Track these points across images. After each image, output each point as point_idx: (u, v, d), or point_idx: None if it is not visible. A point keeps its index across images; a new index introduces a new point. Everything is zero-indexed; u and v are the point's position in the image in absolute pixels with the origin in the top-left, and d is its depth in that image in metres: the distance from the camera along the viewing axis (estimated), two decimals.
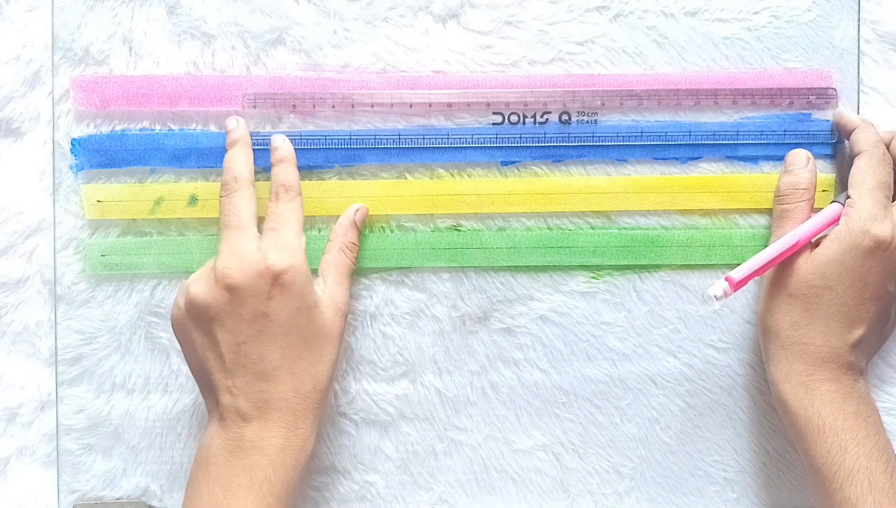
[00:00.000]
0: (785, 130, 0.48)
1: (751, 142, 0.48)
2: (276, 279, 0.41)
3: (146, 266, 0.48)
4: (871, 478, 0.41)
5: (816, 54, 0.48)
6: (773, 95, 0.48)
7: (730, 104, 0.48)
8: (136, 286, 0.48)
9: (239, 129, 0.46)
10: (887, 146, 0.47)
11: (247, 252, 0.42)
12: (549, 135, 0.48)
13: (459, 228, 0.49)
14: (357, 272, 0.48)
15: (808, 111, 0.49)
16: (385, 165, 0.48)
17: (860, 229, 0.43)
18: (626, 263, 0.49)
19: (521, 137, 0.48)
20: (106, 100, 0.47)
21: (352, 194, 0.48)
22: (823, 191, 0.49)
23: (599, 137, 0.48)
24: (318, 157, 0.48)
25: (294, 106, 0.47)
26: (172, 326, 0.43)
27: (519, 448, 0.49)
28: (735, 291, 0.43)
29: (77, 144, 0.47)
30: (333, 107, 0.48)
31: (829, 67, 0.48)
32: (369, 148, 0.48)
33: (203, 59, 0.47)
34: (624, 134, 0.48)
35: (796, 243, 0.44)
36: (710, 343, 0.49)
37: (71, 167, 0.47)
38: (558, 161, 0.48)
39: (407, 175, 0.48)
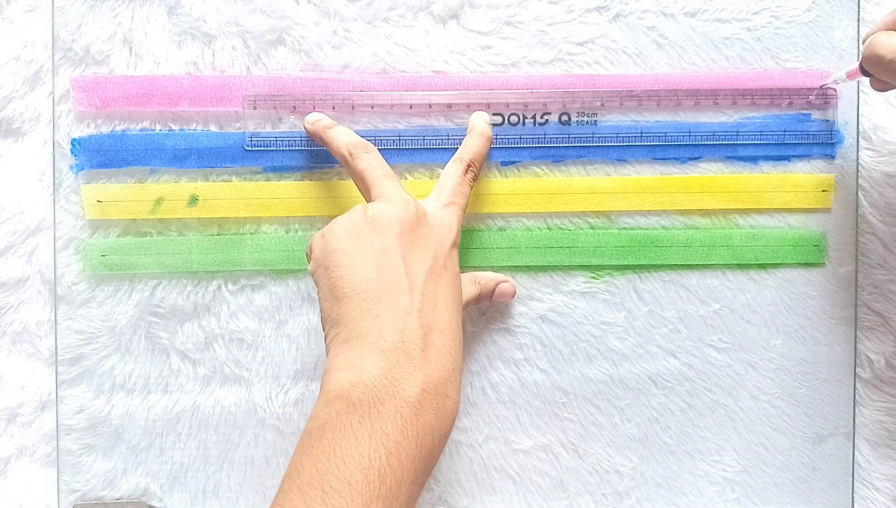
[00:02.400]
0: (785, 130, 0.48)
1: (751, 142, 0.48)
2: (454, 243, 0.41)
3: (146, 266, 0.48)
4: None
5: (816, 54, 0.49)
6: (772, 95, 0.48)
7: (730, 104, 0.48)
8: (136, 286, 0.48)
9: (326, 118, 0.46)
10: None
11: (429, 205, 0.42)
12: (548, 135, 0.48)
13: None
14: None
15: (807, 111, 0.49)
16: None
17: None
18: (626, 263, 0.49)
19: (520, 138, 0.48)
20: (106, 100, 0.47)
21: (352, 194, 0.48)
22: (823, 191, 0.49)
23: (599, 137, 0.48)
24: (317, 156, 0.48)
25: (294, 107, 0.48)
26: (336, 231, 0.39)
27: (519, 448, 0.49)
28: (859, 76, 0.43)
29: (77, 145, 0.47)
30: (334, 108, 0.48)
31: (829, 67, 0.48)
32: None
33: (203, 59, 0.48)
34: (624, 134, 0.48)
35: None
36: (710, 343, 0.49)
37: (71, 167, 0.47)
38: (558, 161, 0.48)
39: (407, 175, 0.48)
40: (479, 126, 0.47)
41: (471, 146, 0.46)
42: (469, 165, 0.45)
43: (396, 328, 0.36)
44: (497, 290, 0.47)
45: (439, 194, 0.43)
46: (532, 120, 0.48)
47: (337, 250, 0.39)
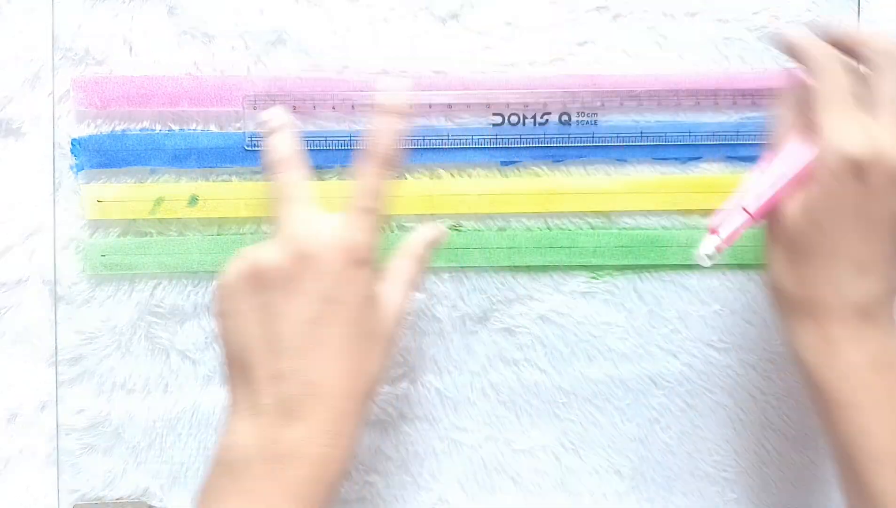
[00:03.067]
0: None
1: (751, 142, 0.48)
2: (356, 261, 0.37)
3: (146, 266, 0.48)
4: None
5: None
6: (772, 95, 0.48)
7: (730, 104, 0.48)
8: (136, 286, 0.48)
9: (281, 117, 0.40)
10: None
11: (325, 225, 0.37)
12: (549, 135, 0.48)
13: (459, 228, 0.49)
14: None
15: None
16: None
17: (831, 153, 0.36)
18: (626, 263, 0.49)
19: (521, 138, 0.48)
20: (106, 100, 0.47)
21: (352, 194, 0.48)
22: None
23: (599, 137, 0.48)
24: (318, 157, 0.48)
25: (294, 107, 0.47)
26: (217, 295, 0.37)
27: (519, 448, 0.49)
28: (728, 247, 0.39)
29: (77, 144, 0.47)
30: (334, 108, 0.48)
31: None
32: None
33: (203, 59, 0.47)
34: (624, 134, 0.48)
35: (780, 191, 0.39)
36: (710, 343, 0.49)
37: (71, 167, 0.47)
38: (558, 161, 0.48)
39: (407, 175, 0.48)
40: (389, 104, 0.39)
41: (382, 134, 0.39)
42: (383, 159, 0.39)
43: (269, 393, 0.35)
44: (427, 248, 0.42)
45: (350, 199, 0.38)
46: (532, 120, 0.48)
47: (217, 314, 0.37)
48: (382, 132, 0.39)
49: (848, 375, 0.37)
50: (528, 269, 0.49)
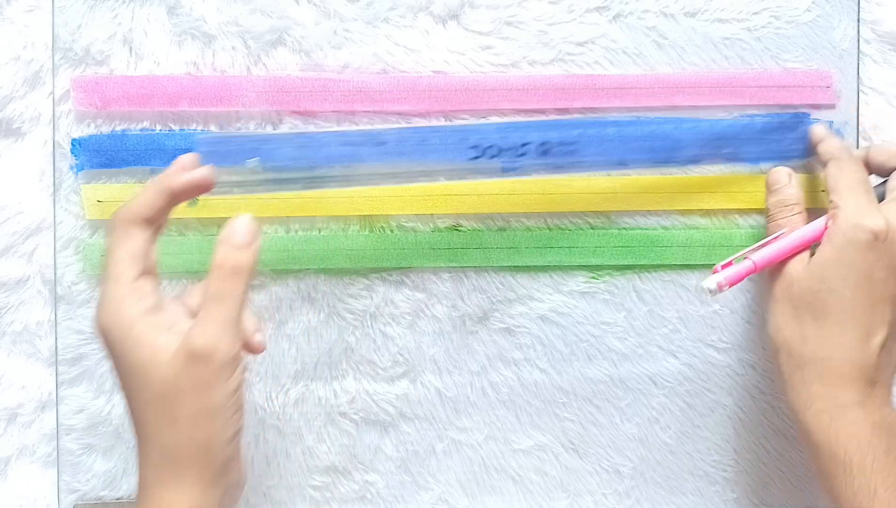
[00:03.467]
0: (785, 130, 0.48)
1: (751, 141, 0.48)
2: (104, 339, 0.37)
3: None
4: None
5: (816, 54, 0.49)
6: (772, 95, 0.48)
7: (730, 104, 0.48)
8: None
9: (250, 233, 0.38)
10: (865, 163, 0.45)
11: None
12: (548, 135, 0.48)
13: (459, 228, 0.49)
14: (357, 272, 0.48)
15: (807, 111, 0.49)
16: (385, 165, 0.48)
17: (851, 224, 0.40)
18: (626, 263, 0.49)
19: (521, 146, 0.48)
20: (106, 100, 0.47)
21: (352, 194, 0.48)
22: (823, 191, 0.49)
23: (599, 136, 0.48)
24: (318, 157, 0.48)
25: (297, 108, 0.47)
26: None
27: (519, 448, 0.49)
28: (730, 287, 0.42)
29: (77, 145, 0.47)
30: (335, 111, 0.48)
31: (829, 67, 0.49)
32: (369, 148, 0.48)
33: (203, 59, 0.47)
34: (624, 134, 0.48)
35: (788, 249, 0.43)
36: (710, 343, 0.49)
37: (71, 167, 0.47)
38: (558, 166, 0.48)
39: None
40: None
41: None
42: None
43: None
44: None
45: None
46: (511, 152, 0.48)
47: None
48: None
49: (853, 436, 0.39)
50: (528, 269, 0.49)
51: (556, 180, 0.48)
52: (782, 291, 0.42)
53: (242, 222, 0.38)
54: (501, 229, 0.49)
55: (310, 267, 0.48)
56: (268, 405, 0.49)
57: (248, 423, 0.49)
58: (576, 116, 0.48)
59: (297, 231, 0.48)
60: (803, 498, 0.50)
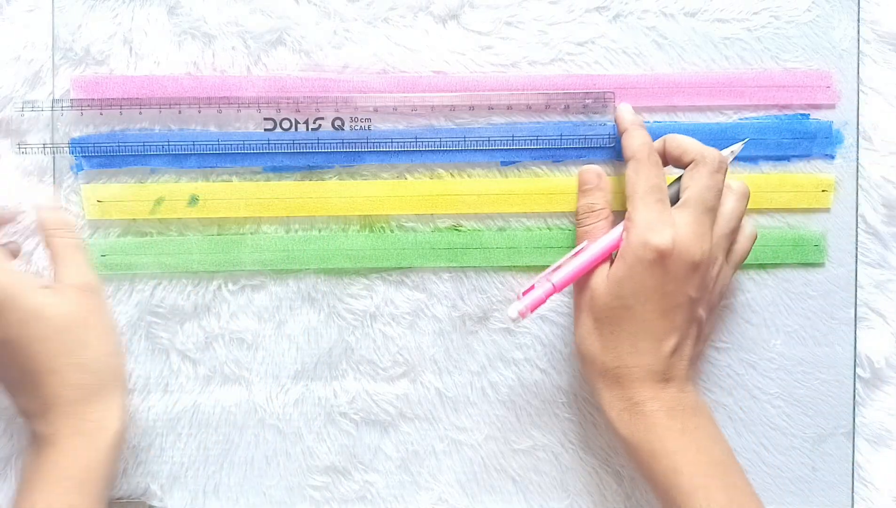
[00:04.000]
0: (784, 130, 0.48)
1: (750, 141, 0.48)
2: None
3: (146, 266, 0.48)
4: (708, 496, 0.40)
5: (816, 54, 0.49)
6: (772, 95, 0.48)
7: (729, 104, 0.48)
8: (136, 286, 0.48)
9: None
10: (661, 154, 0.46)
11: None
12: (547, 135, 0.48)
13: (459, 228, 0.49)
14: (357, 272, 0.48)
15: (807, 111, 0.49)
16: (385, 165, 0.48)
17: (639, 241, 0.42)
18: None
19: (519, 139, 0.48)
20: (106, 100, 0.47)
21: (352, 194, 0.48)
22: (823, 191, 0.49)
23: (599, 137, 0.48)
24: (318, 157, 0.48)
25: (298, 110, 0.47)
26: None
27: (519, 448, 0.49)
28: (532, 312, 0.44)
29: (77, 145, 0.47)
30: (337, 110, 0.48)
31: (829, 67, 0.49)
32: (369, 148, 0.48)
33: (203, 59, 0.47)
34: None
35: (586, 265, 0.44)
36: (710, 343, 0.49)
37: (71, 167, 0.47)
38: (558, 161, 0.48)
39: (407, 175, 0.48)
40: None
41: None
42: None
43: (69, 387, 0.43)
44: (43, 217, 0.47)
45: None
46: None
47: None
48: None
49: (651, 426, 0.42)
50: (528, 269, 0.49)
51: (555, 180, 0.48)
52: (585, 303, 0.45)
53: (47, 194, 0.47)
54: (501, 229, 0.49)
55: (310, 267, 0.48)
56: (268, 405, 0.49)
57: (248, 423, 0.49)
58: (580, 116, 0.48)
59: (297, 231, 0.48)
60: (803, 498, 0.49)
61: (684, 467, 0.41)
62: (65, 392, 0.42)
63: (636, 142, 0.45)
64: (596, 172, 0.47)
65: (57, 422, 0.42)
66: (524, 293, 0.44)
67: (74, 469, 0.41)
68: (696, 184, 0.44)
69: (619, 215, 0.47)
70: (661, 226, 0.42)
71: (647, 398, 0.43)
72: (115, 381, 0.43)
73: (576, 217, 0.47)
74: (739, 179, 0.48)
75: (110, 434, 0.42)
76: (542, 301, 0.44)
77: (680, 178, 0.45)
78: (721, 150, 0.46)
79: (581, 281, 0.45)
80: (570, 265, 0.45)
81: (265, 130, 0.48)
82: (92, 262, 0.46)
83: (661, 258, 0.42)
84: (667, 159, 0.46)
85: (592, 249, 0.45)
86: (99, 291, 0.45)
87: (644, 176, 0.44)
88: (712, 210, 0.44)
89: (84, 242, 0.46)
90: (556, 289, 0.44)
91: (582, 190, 0.47)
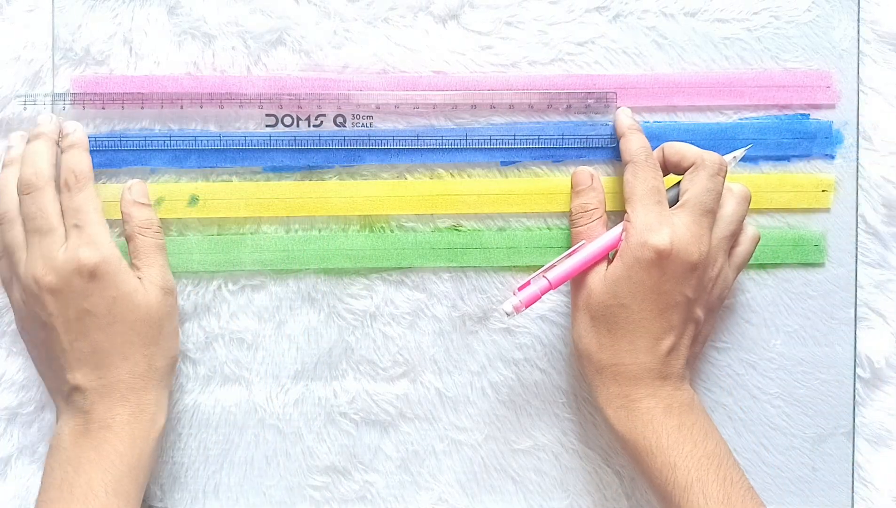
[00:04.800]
0: (784, 130, 0.48)
1: (750, 142, 0.48)
2: (91, 276, 0.42)
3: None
4: (704, 490, 0.41)
5: (816, 54, 0.49)
6: (772, 95, 0.48)
7: (729, 104, 0.48)
8: None
9: (49, 124, 0.46)
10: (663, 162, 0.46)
11: (57, 255, 0.42)
12: (547, 135, 0.48)
13: (459, 228, 0.49)
14: (357, 272, 0.48)
15: (807, 112, 0.49)
16: (385, 165, 0.48)
17: (638, 242, 0.43)
18: None
19: (520, 139, 0.48)
20: (106, 100, 0.47)
21: (352, 194, 0.48)
22: (823, 191, 0.49)
23: (599, 137, 0.48)
24: (318, 157, 0.48)
25: (300, 106, 0.47)
26: (19, 327, 0.46)
27: (519, 448, 0.49)
28: (526, 307, 0.44)
29: None
30: (339, 107, 0.48)
31: (829, 67, 0.49)
32: (369, 148, 0.48)
33: (203, 59, 0.47)
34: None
35: (583, 263, 0.45)
36: (710, 343, 0.49)
37: None
38: (559, 161, 0.48)
39: (407, 175, 0.48)
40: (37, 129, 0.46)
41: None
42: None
43: (63, 396, 0.44)
44: (127, 209, 0.46)
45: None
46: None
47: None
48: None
49: (648, 423, 0.43)
50: (528, 269, 0.49)
51: (555, 180, 0.48)
52: (583, 301, 0.45)
53: (139, 187, 0.47)
54: (501, 229, 0.49)
55: (310, 267, 0.48)
56: (268, 405, 0.49)
57: (248, 423, 0.49)
58: (581, 116, 0.48)
59: (297, 231, 0.48)
60: (803, 498, 0.49)
61: (680, 462, 0.42)
62: (129, 380, 0.43)
63: (634, 145, 0.46)
64: (589, 173, 0.47)
65: (116, 407, 0.43)
66: (519, 289, 0.45)
67: (130, 456, 0.42)
68: (695, 186, 0.44)
69: (616, 215, 0.47)
70: (659, 227, 0.43)
71: (644, 395, 0.43)
72: (167, 379, 0.45)
73: (569, 218, 0.48)
74: (740, 179, 0.48)
75: (159, 427, 0.44)
76: (538, 297, 0.44)
77: (680, 182, 0.45)
78: (724, 154, 0.46)
79: (578, 280, 0.45)
80: (567, 263, 0.45)
81: (267, 126, 0.48)
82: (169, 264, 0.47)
83: (660, 259, 0.42)
84: (666, 167, 0.46)
85: (590, 247, 0.45)
86: (175, 295, 0.46)
87: (642, 178, 0.45)
88: (711, 212, 0.44)
89: (164, 242, 0.47)
90: (552, 286, 0.44)
91: (575, 191, 0.47)
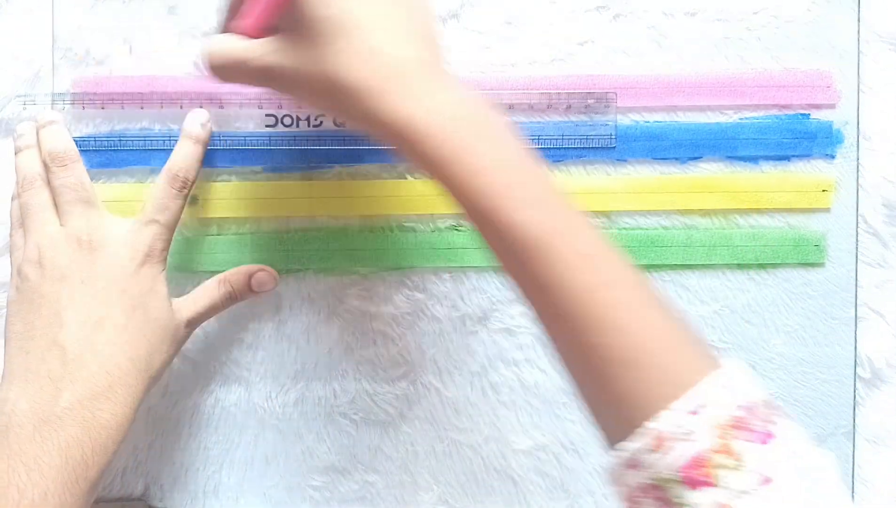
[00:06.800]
0: (785, 130, 0.48)
1: (751, 141, 0.48)
2: (143, 259, 0.42)
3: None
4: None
5: (816, 54, 0.49)
6: (772, 95, 0.48)
7: (729, 104, 0.48)
8: None
9: (57, 115, 0.46)
10: None
11: (114, 226, 0.43)
12: (548, 134, 0.48)
13: (459, 228, 0.49)
14: (357, 272, 0.48)
15: (807, 111, 0.49)
16: (385, 165, 0.48)
17: None
18: None
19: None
20: (106, 100, 0.47)
21: (352, 194, 0.48)
22: (823, 191, 0.49)
23: (599, 137, 0.48)
24: (318, 156, 0.48)
25: (300, 107, 0.47)
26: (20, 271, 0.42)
27: (519, 449, 0.49)
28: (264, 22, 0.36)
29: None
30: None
31: (829, 67, 0.49)
32: (369, 148, 0.48)
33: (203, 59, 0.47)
34: (623, 134, 0.48)
35: None
36: (710, 343, 0.49)
37: None
38: (558, 161, 0.48)
39: (407, 175, 0.48)
40: (191, 129, 0.45)
41: (180, 155, 0.44)
42: (175, 177, 0.43)
43: (43, 359, 0.39)
44: (253, 281, 0.46)
45: (142, 210, 0.43)
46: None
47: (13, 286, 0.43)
48: (180, 155, 0.44)
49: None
50: None
51: (556, 180, 0.48)
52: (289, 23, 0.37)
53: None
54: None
55: (310, 267, 0.48)
56: (268, 405, 0.49)
57: (248, 423, 0.49)
58: (581, 116, 0.48)
59: (297, 231, 0.48)
60: None
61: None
62: (115, 372, 0.39)
63: None
64: None
65: (98, 401, 0.38)
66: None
67: (94, 472, 0.37)
68: None
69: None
70: None
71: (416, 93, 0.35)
72: (144, 382, 0.41)
73: None
74: (740, 179, 0.48)
75: (121, 439, 0.39)
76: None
77: None
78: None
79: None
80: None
81: (266, 126, 0.48)
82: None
83: None
84: None
85: None
86: (188, 334, 0.45)
87: None
88: None
89: (221, 308, 0.46)
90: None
91: None
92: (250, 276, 0.46)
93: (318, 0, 0.35)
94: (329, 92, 0.35)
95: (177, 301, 0.44)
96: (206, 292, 0.45)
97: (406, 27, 0.36)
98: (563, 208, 0.34)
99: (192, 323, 0.44)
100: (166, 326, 0.42)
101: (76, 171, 0.44)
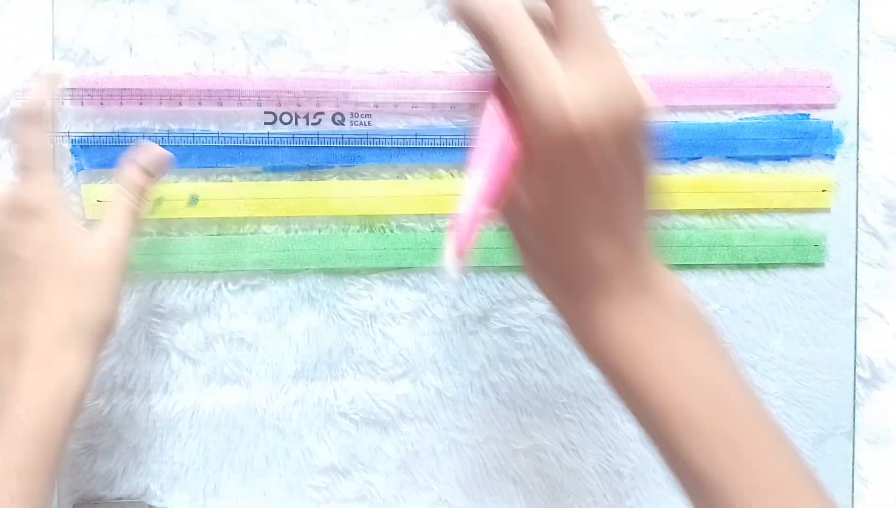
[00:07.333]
0: (785, 130, 0.48)
1: (751, 141, 0.48)
2: (24, 216, 0.40)
3: (146, 266, 0.48)
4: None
5: (816, 54, 0.49)
6: (772, 95, 0.48)
7: (729, 104, 0.48)
8: (137, 286, 0.48)
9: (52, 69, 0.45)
10: None
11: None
12: None
13: None
14: (357, 272, 0.48)
15: (807, 112, 0.49)
16: (385, 165, 0.48)
17: (536, 131, 0.32)
18: None
19: None
20: (106, 100, 0.47)
21: (352, 194, 0.48)
22: (823, 191, 0.49)
23: None
24: (318, 157, 0.48)
25: (298, 104, 0.47)
26: None
27: (519, 449, 0.49)
28: (470, 247, 0.34)
29: (77, 144, 0.47)
30: (337, 106, 0.48)
31: (829, 67, 0.49)
32: (369, 147, 0.48)
33: (203, 59, 0.47)
34: None
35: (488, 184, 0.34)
36: None
37: (71, 167, 0.47)
38: None
39: (407, 175, 0.48)
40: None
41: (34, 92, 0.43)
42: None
43: None
44: (145, 164, 0.43)
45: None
46: None
47: None
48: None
49: (632, 355, 0.36)
50: None
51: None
52: (516, 222, 0.38)
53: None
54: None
55: (310, 267, 0.48)
56: (268, 405, 0.49)
57: (247, 423, 0.49)
58: None
59: (297, 231, 0.48)
60: None
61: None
62: (47, 335, 0.39)
63: (493, 7, 0.33)
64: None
65: (22, 366, 0.38)
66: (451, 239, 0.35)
67: (37, 426, 0.37)
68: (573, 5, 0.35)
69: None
70: (556, 98, 0.32)
71: (614, 308, 0.36)
72: (94, 342, 0.40)
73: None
74: (740, 179, 0.48)
75: (74, 394, 0.38)
76: (470, 237, 0.34)
77: None
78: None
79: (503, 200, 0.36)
80: (476, 188, 0.34)
81: (265, 123, 0.48)
82: (138, 231, 0.44)
83: (574, 143, 0.33)
84: None
85: (490, 158, 0.34)
86: (126, 258, 0.41)
87: (512, 32, 0.34)
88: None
89: (142, 211, 0.43)
90: (480, 217, 0.35)
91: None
92: (134, 162, 0.43)
93: None
94: None
95: (91, 238, 0.41)
96: (116, 211, 0.42)
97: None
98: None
99: (122, 251, 0.42)
100: (85, 270, 0.40)
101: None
